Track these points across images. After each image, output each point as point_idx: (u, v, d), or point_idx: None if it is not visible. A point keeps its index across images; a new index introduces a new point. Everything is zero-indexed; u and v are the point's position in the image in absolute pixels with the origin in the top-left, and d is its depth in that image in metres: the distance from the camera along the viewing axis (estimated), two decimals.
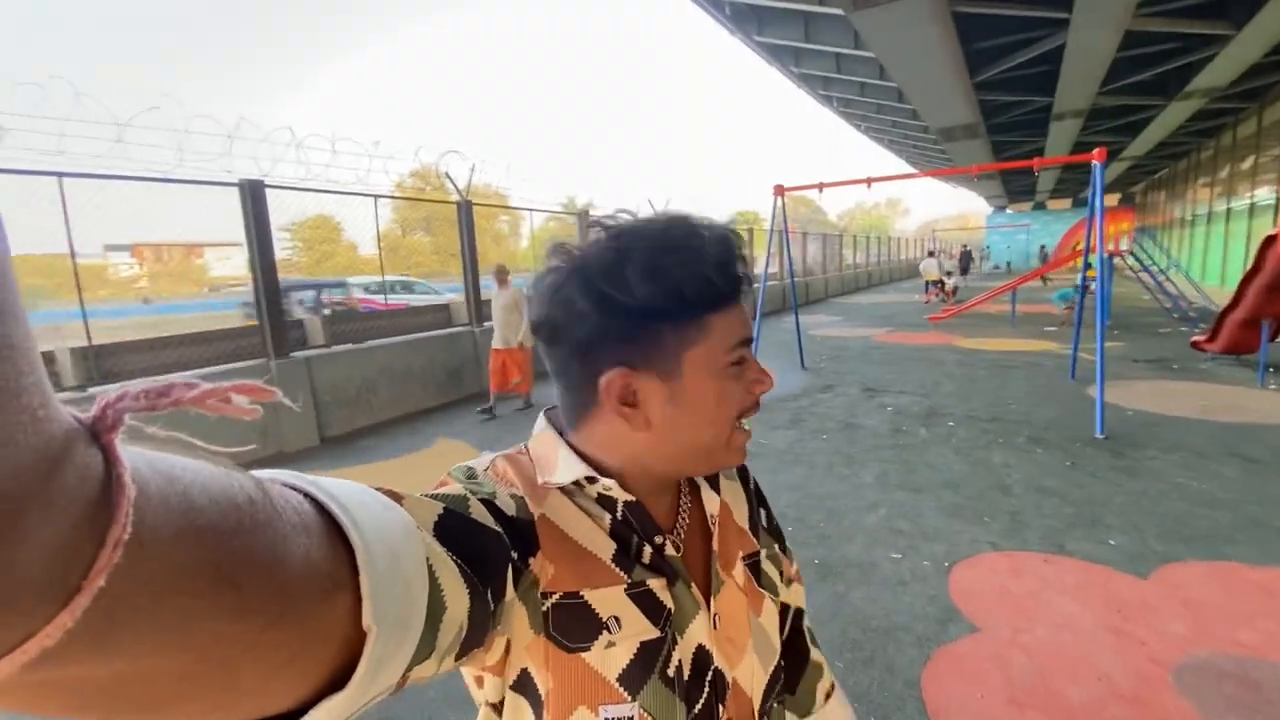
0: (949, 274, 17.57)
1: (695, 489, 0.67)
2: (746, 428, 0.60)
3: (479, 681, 0.57)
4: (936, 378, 7.34)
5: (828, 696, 0.76)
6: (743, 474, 0.74)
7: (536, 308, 0.57)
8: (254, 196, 5.16)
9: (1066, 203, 34.21)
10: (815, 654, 0.76)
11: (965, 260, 23.19)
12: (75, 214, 4.35)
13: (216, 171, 5.26)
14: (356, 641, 0.29)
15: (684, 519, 0.64)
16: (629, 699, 0.54)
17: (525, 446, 0.62)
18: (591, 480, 0.57)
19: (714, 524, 0.64)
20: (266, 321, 5.34)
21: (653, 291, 0.53)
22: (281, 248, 5.89)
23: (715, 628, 0.60)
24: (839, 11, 8.16)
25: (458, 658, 0.42)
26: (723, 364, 0.57)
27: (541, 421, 0.63)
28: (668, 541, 0.60)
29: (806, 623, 0.77)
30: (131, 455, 0.21)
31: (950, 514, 3.55)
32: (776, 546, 0.73)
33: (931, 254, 19.48)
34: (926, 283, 18.08)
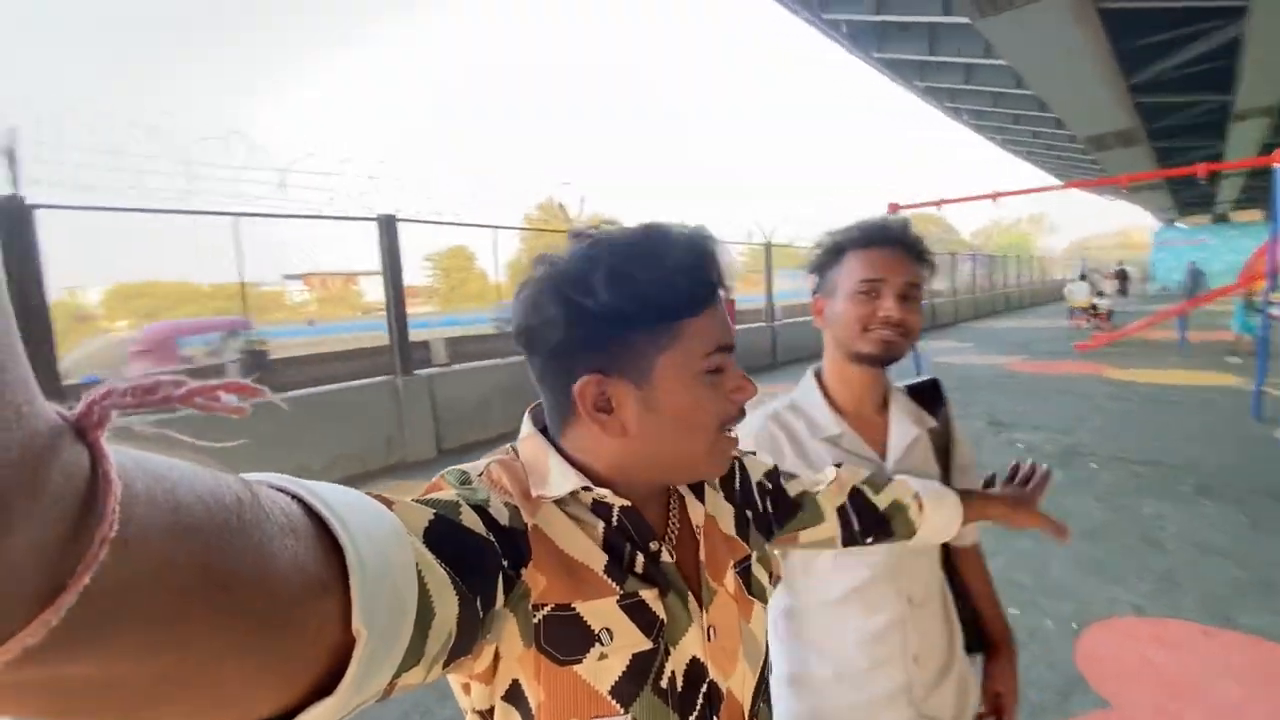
0: (1100, 295, 15.64)
1: (682, 499, 0.66)
2: (732, 435, 0.60)
3: (465, 689, 0.57)
4: (1081, 412, 6.56)
5: (920, 507, 0.85)
6: (724, 477, 0.72)
7: (515, 316, 0.59)
8: (388, 230, 5.73)
9: (1257, 214, 29.50)
10: (886, 497, 0.84)
11: (1122, 281, 20.63)
12: (250, 247, 5.05)
13: (360, 208, 5.89)
14: (344, 646, 0.29)
15: (674, 526, 0.64)
16: (621, 711, 0.53)
17: (514, 449, 0.62)
18: (586, 489, 0.57)
19: (700, 534, 0.64)
20: (395, 342, 5.87)
21: (618, 296, 0.54)
22: (424, 275, 6.43)
23: (710, 639, 0.60)
24: (965, 20, 7.70)
25: (445, 665, 0.42)
26: (698, 370, 0.56)
27: (527, 422, 0.63)
28: (663, 548, 0.60)
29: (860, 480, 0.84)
30: (118, 453, 0.21)
31: (1084, 569, 3.14)
32: (766, 544, 0.72)
33: (1083, 277, 17.22)
34: (1072, 309, 16.24)
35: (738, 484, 0.73)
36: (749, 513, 0.72)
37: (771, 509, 0.76)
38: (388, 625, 0.31)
